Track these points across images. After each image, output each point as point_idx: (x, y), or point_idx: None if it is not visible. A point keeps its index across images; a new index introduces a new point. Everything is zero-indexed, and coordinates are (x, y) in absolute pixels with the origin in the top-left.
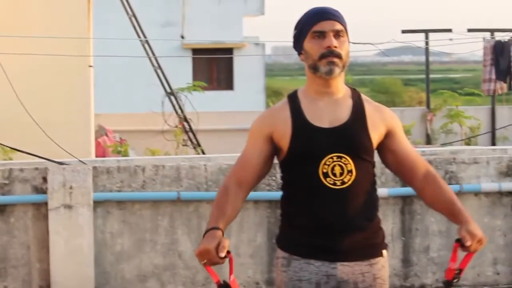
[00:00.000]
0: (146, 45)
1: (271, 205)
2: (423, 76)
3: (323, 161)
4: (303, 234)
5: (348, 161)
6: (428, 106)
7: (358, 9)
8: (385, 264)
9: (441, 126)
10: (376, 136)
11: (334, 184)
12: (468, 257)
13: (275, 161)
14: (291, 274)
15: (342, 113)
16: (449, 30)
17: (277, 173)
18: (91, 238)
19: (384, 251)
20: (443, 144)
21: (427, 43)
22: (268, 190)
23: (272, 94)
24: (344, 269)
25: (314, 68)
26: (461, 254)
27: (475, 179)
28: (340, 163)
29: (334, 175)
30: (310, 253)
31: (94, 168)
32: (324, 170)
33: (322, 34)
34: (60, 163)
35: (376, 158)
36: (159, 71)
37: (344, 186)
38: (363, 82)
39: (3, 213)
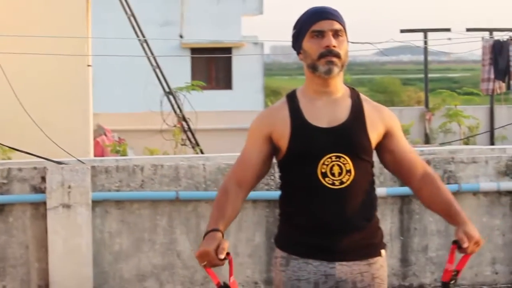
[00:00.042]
0: (144, 45)
1: (270, 204)
2: (422, 75)
3: (321, 161)
4: (302, 233)
5: (347, 161)
6: (426, 105)
7: (357, 9)
8: (383, 264)
9: (440, 125)
10: (375, 136)
11: (333, 184)
12: (465, 258)
13: (274, 160)
14: (289, 273)
15: (341, 113)
16: (448, 30)
17: (275, 172)
18: (90, 237)
19: (383, 251)
20: (442, 144)
21: (425, 43)
22: (267, 189)
23: (270, 93)
24: (343, 269)
25: (313, 68)
26: (458, 255)
27: (474, 179)
28: (339, 163)
29: (333, 175)
30: (309, 253)
31: (93, 167)
32: (323, 170)
33: (321, 34)
34: (59, 163)
35: (375, 157)
36: (157, 70)
37: (343, 186)
38: (361, 81)
39: (2, 213)
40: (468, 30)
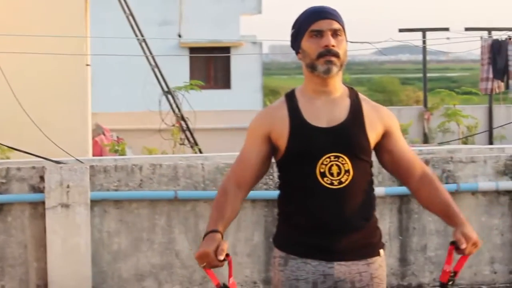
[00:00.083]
0: (143, 44)
1: (268, 204)
2: (421, 75)
3: (320, 161)
4: (300, 233)
5: (346, 160)
6: (425, 105)
7: (356, 8)
8: (382, 264)
9: (439, 125)
10: (373, 136)
11: (331, 184)
12: (463, 259)
13: (273, 160)
14: (288, 273)
15: (339, 113)
16: (447, 29)
17: (274, 172)
18: (88, 237)
19: (381, 251)
20: (440, 143)
21: (424, 42)
22: (266, 189)
23: (269, 93)
24: (341, 269)
25: (312, 67)
26: (456, 256)
27: (472, 178)
28: (338, 163)
29: (332, 174)
30: (307, 253)
31: (91, 167)
32: (322, 170)
33: (320, 33)
34: (57, 162)
35: (373, 157)
36: (156, 70)
37: (342, 186)
38: (360, 81)
39: (0, 212)
40: (467, 29)
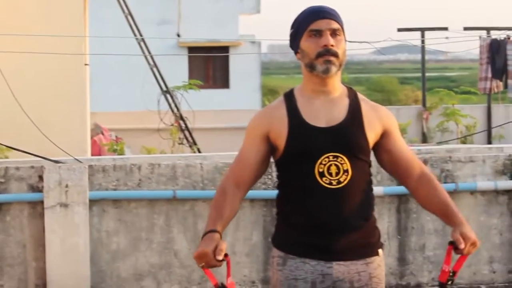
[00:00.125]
0: (142, 43)
1: (267, 203)
2: (419, 74)
3: (319, 161)
4: (299, 233)
5: (344, 160)
6: (424, 104)
7: (355, 8)
8: (381, 263)
9: (437, 124)
10: (372, 136)
11: (330, 183)
12: (462, 259)
13: (272, 159)
14: (286, 273)
15: (338, 113)
16: (445, 29)
17: (273, 171)
18: (87, 236)
19: (380, 250)
20: (439, 143)
21: (423, 42)
22: (264, 188)
23: (268, 92)
24: (340, 268)
25: (311, 67)
26: (455, 256)
27: (471, 178)
28: (336, 163)
29: (330, 174)
30: (306, 252)
31: (90, 166)
32: (320, 170)
33: (318, 33)
34: (56, 162)
35: (372, 157)
36: (155, 69)
37: (340, 185)
38: (359, 80)
39: None
40: (466, 29)
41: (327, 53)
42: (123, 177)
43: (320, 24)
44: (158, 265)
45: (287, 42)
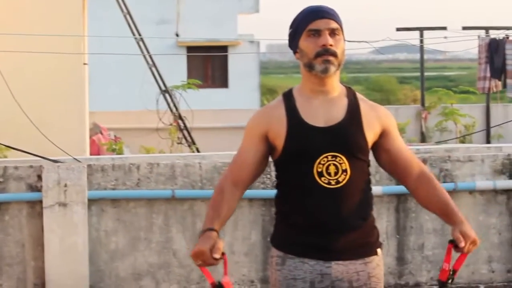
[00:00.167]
0: (140, 43)
1: (266, 203)
2: (418, 74)
3: (317, 160)
4: (298, 233)
5: (343, 160)
6: (422, 104)
7: (353, 8)
8: (379, 263)
9: (436, 124)
10: (371, 135)
11: (329, 183)
12: (462, 258)
13: (270, 159)
14: (285, 272)
15: (337, 112)
16: (444, 28)
17: (271, 171)
18: (86, 236)
19: (379, 250)
20: (438, 142)
21: (421, 41)
22: (263, 188)
23: (266, 92)
24: (339, 268)
25: (310, 67)
26: (455, 254)
27: (470, 177)
28: (335, 163)
29: (329, 174)
30: (305, 252)
31: (89, 166)
32: (319, 170)
33: (317, 33)
34: (55, 161)
35: (371, 156)
36: (153, 68)
37: (339, 185)
38: (357, 80)
39: None
40: (464, 28)
41: (326, 52)
42: (121, 176)
43: (319, 24)
44: (157, 264)
45: (286, 42)
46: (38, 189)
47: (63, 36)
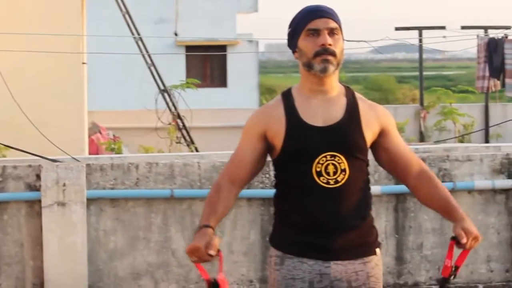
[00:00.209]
0: (139, 42)
1: (265, 202)
2: (417, 73)
3: (316, 160)
4: (297, 232)
5: (342, 160)
6: (421, 103)
7: (352, 7)
8: (378, 263)
9: (435, 123)
10: (370, 135)
11: (328, 183)
12: (464, 254)
13: (269, 158)
14: (284, 272)
15: (336, 112)
16: (443, 28)
17: (270, 170)
18: (85, 235)
19: (378, 250)
20: (437, 142)
21: (420, 41)
22: (262, 187)
23: (265, 91)
24: (338, 268)
25: (309, 66)
26: (457, 251)
27: (469, 177)
28: (334, 162)
29: (328, 174)
30: (304, 252)
31: (88, 165)
32: (318, 169)
33: (316, 32)
34: (54, 161)
35: (370, 156)
36: (152, 68)
37: (338, 185)
38: (356, 79)
39: None
40: (463, 28)
41: (324, 52)
42: (120, 176)
43: (318, 23)
44: (156, 264)
45: (285, 41)
46: (37, 189)
47: (62, 35)
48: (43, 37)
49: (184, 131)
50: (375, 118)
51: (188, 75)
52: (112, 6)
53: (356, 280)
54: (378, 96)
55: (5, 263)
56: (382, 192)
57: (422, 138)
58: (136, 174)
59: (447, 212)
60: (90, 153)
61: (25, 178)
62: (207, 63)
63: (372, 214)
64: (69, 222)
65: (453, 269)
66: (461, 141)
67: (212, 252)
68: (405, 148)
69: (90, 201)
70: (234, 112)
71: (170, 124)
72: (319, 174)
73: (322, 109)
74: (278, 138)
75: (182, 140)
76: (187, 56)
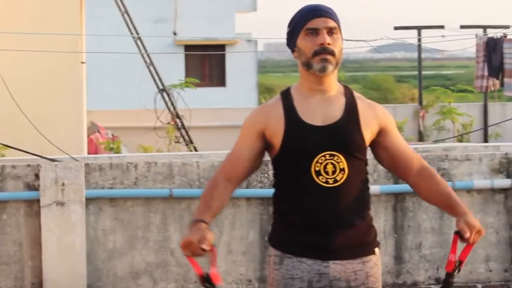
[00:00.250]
0: (138, 42)
1: (264, 202)
2: (416, 72)
3: (315, 159)
4: (296, 232)
5: (341, 159)
6: (420, 102)
7: (351, 6)
8: (377, 262)
9: (434, 123)
10: (368, 134)
11: (327, 182)
12: (468, 248)
13: (268, 158)
14: (283, 272)
15: (335, 111)
16: (442, 27)
17: (269, 170)
18: (83, 235)
19: (377, 249)
20: (436, 141)
21: (419, 40)
22: (261, 187)
23: (264, 90)
24: (337, 267)
25: (307, 65)
26: (460, 246)
27: (468, 176)
28: (333, 161)
29: (327, 173)
30: (303, 251)
31: (86, 165)
32: (317, 168)
33: (315, 31)
34: (52, 160)
35: (369, 155)
36: (151, 67)
37: (337, 184)
38: (355, 78)
39: None
40: (462, 27)
41: (323, 51)
42: (119, 175)
43: (317, 23)
44: (155, 263)
45: (284, 40)
46: (36, 188)
47: (60, 34)
48: (42, 36)
49: (183, 131)
50: (374, 117)
51: (187, 74)
52: (111, 6)
53: (355, 280)
54: (377, 95)
55: (3, 263)
56: (381, 192)
57: (421, 137)
58: (135, 174)
59: (449, 207)
60: (89, 153)
61: (24, 177)
62: (206, 62)
63: (371, 213)
64: (68, 221)
65: (457, 263)
66: (460, 141)
67: (205, 246)
68: (405, 146)
69: (89, 200)
70: (233, 111)
71: (169, 123)
72: (318, 173)
73: (321, 108)
74: (277, 137)
75: (181, 140)
76: (186, 55)
